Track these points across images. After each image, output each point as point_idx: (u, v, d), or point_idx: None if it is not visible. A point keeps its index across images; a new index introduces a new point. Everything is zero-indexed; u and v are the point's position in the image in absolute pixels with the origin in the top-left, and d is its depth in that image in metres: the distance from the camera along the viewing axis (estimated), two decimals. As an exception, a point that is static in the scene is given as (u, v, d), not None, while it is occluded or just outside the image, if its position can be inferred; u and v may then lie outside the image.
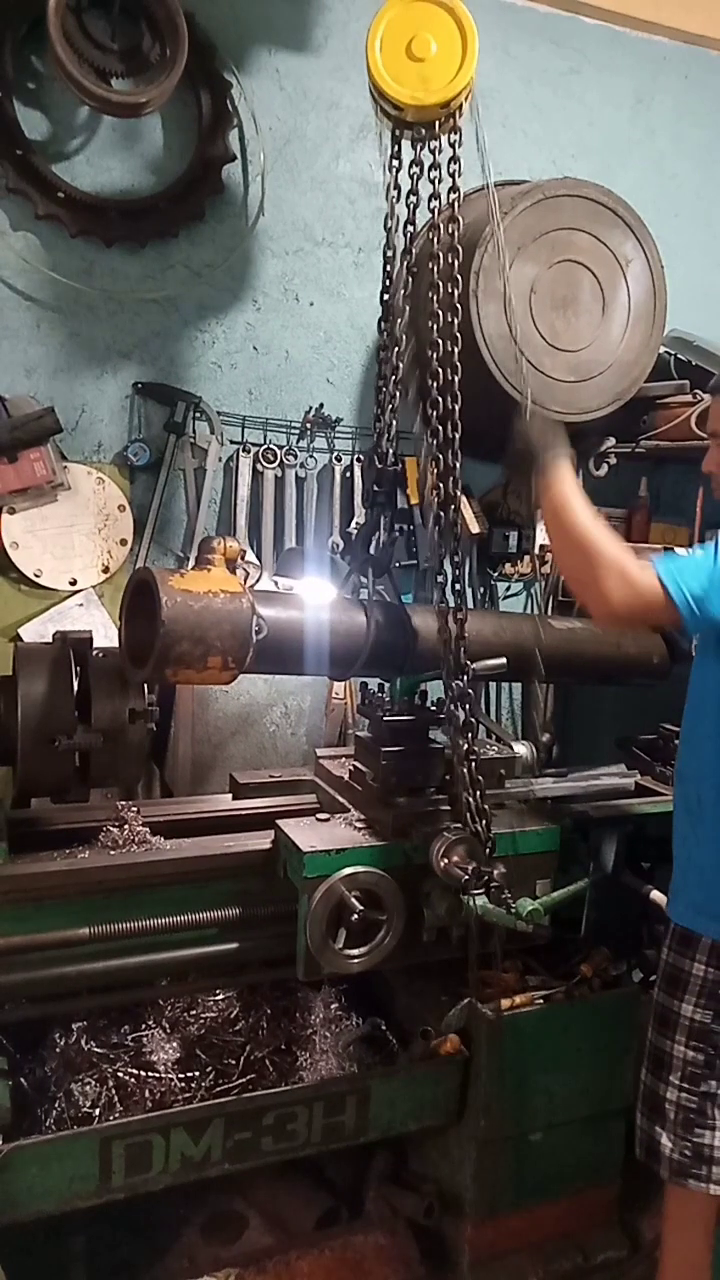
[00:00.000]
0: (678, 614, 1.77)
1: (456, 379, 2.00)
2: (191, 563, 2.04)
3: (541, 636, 2.35)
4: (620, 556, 1.80)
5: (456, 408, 2.00)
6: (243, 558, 2.09)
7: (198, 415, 3.06)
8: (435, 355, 2.00)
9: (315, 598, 2.21)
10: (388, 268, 2.12)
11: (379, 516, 2.31)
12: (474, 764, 2.03)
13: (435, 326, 2.00)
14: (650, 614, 1.82)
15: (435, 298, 1.99)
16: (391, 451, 2.26)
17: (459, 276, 2.01)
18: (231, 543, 2.05)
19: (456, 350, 2.01)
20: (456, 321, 2.01)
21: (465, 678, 2.03)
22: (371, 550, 2.33)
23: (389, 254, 2.11)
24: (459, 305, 2.01)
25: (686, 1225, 1.93)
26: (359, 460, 3.22)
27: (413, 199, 2.03)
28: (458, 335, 2.01)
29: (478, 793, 2.02)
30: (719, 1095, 1.84)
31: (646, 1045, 1.96)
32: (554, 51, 3.43)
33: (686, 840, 1.94)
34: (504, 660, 2.19)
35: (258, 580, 2.63)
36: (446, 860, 2.02)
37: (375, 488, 2.29)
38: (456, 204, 2.00)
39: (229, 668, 1.95)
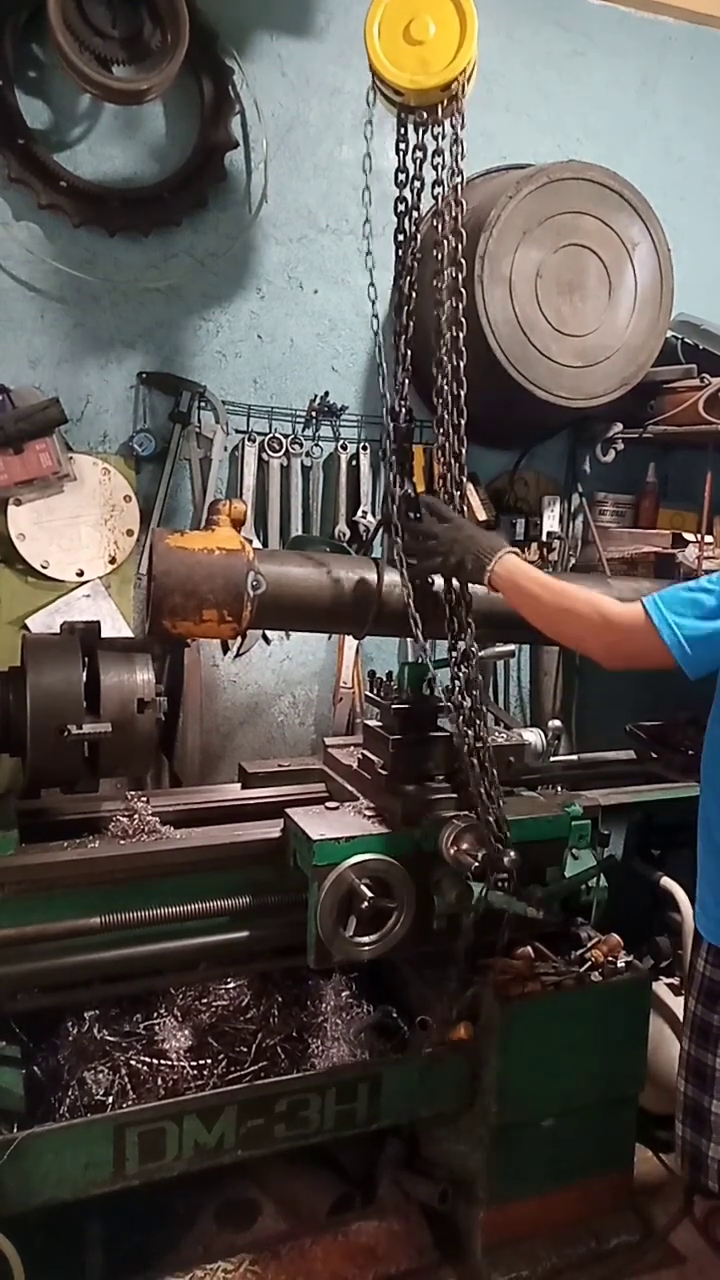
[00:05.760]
0: (667, 651, 1.68)
1: (461, 364, 1.99)
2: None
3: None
4: (593, 597, 1.79)
5: (462, 393, 1.99)
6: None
7: (203, 405, 3.05)
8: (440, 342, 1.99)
9: (323, 556, 2.24)
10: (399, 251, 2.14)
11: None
12: (483, 753, 2.02)
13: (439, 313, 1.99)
14: (640, 649, 1.72)
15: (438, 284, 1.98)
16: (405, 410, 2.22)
17: (462, 260, 2.00)
18: (237, 503, 2.14)
19: (462, 335, 1.99)
20: (461, 306, 2.00)
21: (471, 663, 2.02)
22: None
23: (400, 238, 2.12)
24: (463, 290, 2.00)
25: None
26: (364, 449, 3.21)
27: (417, 183, 2.02)
28: (462, 320, 1.99)
29: (488, 783, 2.01)
30: None
31: (683, 1055, 1.92)
32: (559, 34, 3.39)
33: (712, 856, 1.87)
34: (513, 648, 2.19)
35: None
36: (456, 847, 2.02)
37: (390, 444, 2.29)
38: (460, 187, 1.99)
39: (227, 621, 2.05)
